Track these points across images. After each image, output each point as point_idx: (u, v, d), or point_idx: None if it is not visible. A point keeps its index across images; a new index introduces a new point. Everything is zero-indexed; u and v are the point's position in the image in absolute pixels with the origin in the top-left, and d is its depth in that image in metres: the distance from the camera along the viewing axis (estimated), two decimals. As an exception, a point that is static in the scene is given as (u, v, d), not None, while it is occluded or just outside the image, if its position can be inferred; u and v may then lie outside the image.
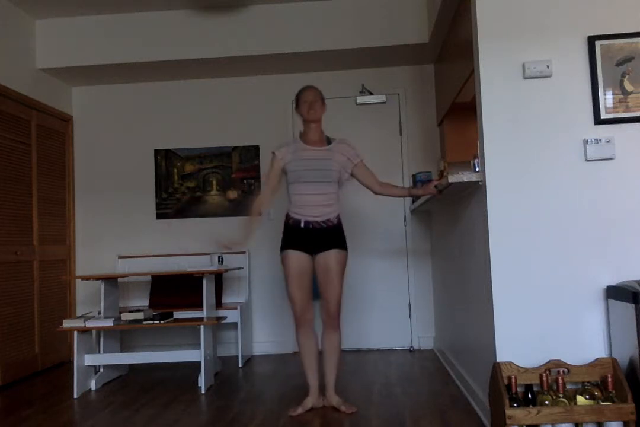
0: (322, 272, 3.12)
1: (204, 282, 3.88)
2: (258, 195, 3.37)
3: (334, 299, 3.13)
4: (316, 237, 3.11)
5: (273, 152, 3.21)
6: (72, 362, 3.95)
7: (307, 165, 3.09)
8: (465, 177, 2.68)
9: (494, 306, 2.60)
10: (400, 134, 4.98)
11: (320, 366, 3.20)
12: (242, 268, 4.73)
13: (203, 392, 3.64)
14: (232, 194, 5.05)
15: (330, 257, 3.10)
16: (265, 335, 4.95)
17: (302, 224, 3.11)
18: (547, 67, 2.62)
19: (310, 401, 3.15)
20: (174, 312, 4.07)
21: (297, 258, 3.10)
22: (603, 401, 2.36)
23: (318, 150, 3.15)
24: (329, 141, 3.21)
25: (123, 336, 4.92)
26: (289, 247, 3.13)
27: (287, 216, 3.19)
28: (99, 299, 4.83)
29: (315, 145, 3.16)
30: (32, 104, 4.54)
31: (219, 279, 4.72)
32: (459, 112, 4.24)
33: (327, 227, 3.12)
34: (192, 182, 5.08)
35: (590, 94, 2.62)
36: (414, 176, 4.00)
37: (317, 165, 3.09)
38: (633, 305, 2.28)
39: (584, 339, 2.56)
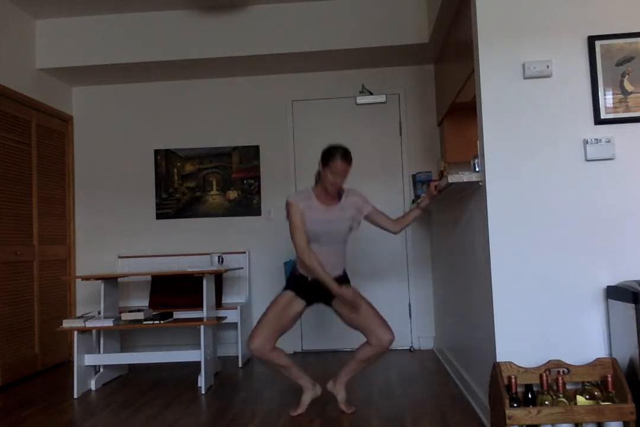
0: (347, 308, 3.02)
1: (204, 282, 3.87)
2: (312, 261, 2.95)
3: (377, 320, 2.98)
4: (324, 290, 3.01)
5: (288, 201, 3.01)
6: (72, 362, 3.95)
7: (321, 228, 2.99)
8: (465, 177, 2.68)
9: (494, 306, 2.60)
10: (400, 134, 4.98)
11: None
12: (242, 268, 4.73)
13: (203, 392, 3.64)
14: (232, 194, 5.05)
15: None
16: (265, 335, 4.94)
17: (310, 279, 3.05)
18: (547, 67, 2.62)
19: (308, 396, 3.14)
20: (174, 312, 4.07)
21: (291, 299, 3.03)
22: (603, 401, 2.36)
23: (331, 211, 3.03)
24: (339, 194, 3.11)
25: (123, 336, 4.92)
26: (291, 288, 3.06)
27: (294, 268, 3.12)
28: (99, 299, 4.83)
29: (327, 203, 3.05)
30: (32, 104, 4.54)
31: (219, 279, 4.72)
32: (459, 112, 4.24)
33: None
34: (192, 182, 5.08)
35: (590, 94, 2.62)
36: (414, 176, 4.00)
37: (331, 228, 3.01)
38: (633, 305, 2.28)
39: (584, 339, 2.56)
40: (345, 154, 2.95)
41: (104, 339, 4.02)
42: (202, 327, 3.71)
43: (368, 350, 3.05)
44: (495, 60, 2.67)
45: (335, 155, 2.93)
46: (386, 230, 3.21)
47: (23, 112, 4.45)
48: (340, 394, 3.15)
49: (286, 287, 3.11)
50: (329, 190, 3.00)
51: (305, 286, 3.07)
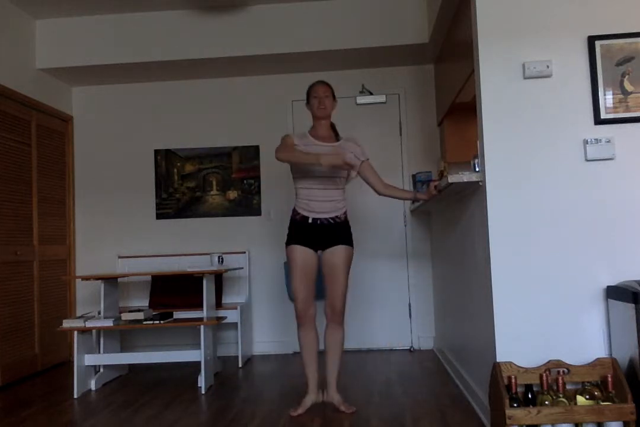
0: (328, 268, 3.12)
1: (204, 282, 3.87)
2: (291, 151, 3.01)
3: (339, 296, 3.12)
4: (323, 233, 3.10)
5: (284, 136, 3.16)
6: (72, 362, 3.94)
7: None
8: (465, 177, 2.68)
9: (494, 306, 2.60)
10: (400, 134, 4.98)
11: (321, 363, 3.18)
12: (242, 268, 4.73)
13: (203, 392, 3.64)
14: (232, 194, 5.05)
15: (337, 253, 3.11)
16: (265, 335, 4.95)
17: (310, 220, 3.10)
18: (547, 67, 2.62)
19: (310, 399, 3.14)
20: (174, 312, 4.07)
21: (303, 253, 3.09)
22: (603, 401, 2.36)
23: (327, 146, 3.14)
24: (337, 138, 3.22)
25: (123, 336, 4.92)
26: (294, 242, 3.11)
27: (294, 212, 3.17)
28: (99, 299, 4.82)
29: (324, 141, 3.16)
30: (32, 104, 4.54)
31: (219, 279, 4.71)
32: (459, 112, 4.24)
33: (335, 224, 3.12)
34: (192, 182, 5.08)
35: (590, 94, 2.62)
36: (414, 176, 4.00)
37: None
38: (633, 305, 2.28)
39: (584, 339, 2.56)
40: (321, 80, 3.25)
41: (104, 339, 4.02)
42: (202, 327, 3.71)
43: (329, 333, 3.19)
44: (495, 60, 2.67)
45: (313, 84, 3.22)
46: (372, 188, 3.26)
47: (23, 112, 4.45)
48: (335, 398, 3.15)
49: (291, 241, 3.13)
50: (318, 114, 3.15)
51: (306, 231, 3.10)
